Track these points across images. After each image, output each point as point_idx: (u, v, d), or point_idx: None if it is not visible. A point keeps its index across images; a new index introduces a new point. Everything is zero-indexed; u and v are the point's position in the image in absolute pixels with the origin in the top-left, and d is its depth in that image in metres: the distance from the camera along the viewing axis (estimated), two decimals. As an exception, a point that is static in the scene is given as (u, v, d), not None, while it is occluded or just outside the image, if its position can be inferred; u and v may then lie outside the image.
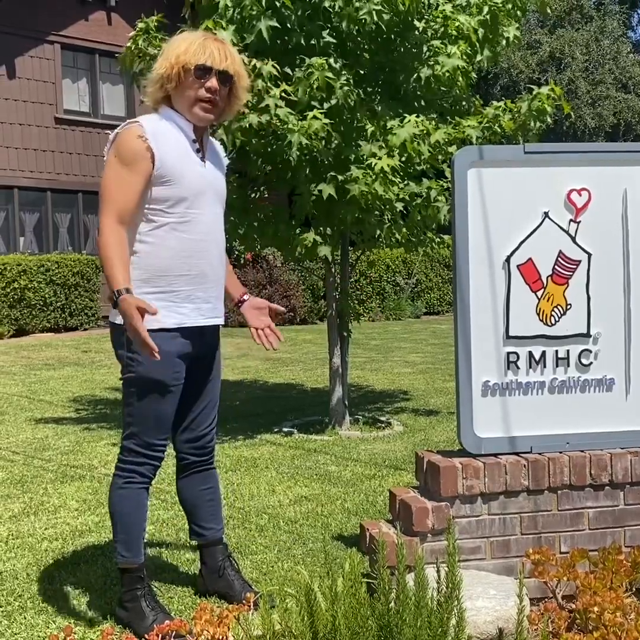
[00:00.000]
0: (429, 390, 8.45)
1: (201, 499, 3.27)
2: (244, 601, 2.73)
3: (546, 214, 3.25)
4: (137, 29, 5.86)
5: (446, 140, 5.82)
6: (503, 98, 6.30)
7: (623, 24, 28.15)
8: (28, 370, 10.33)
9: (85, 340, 13.67)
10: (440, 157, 5.96)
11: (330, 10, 5.67)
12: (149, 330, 2.86)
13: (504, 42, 6.27)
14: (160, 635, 2.55)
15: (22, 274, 14.42)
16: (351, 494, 4.71)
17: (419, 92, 6.20)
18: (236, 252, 15.17)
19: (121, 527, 3.04)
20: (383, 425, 6.70)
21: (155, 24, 5.80)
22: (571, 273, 3.27)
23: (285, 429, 6.54)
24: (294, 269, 16.24)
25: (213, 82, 2.94)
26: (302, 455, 5.69)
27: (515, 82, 25.01)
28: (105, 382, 9.31)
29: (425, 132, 5.75)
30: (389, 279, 17.95)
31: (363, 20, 5.54)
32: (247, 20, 5.54)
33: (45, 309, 14.89)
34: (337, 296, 6.67)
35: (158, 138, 2.92)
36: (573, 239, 3.26)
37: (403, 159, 5.79)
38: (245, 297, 3.29)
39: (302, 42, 5.75)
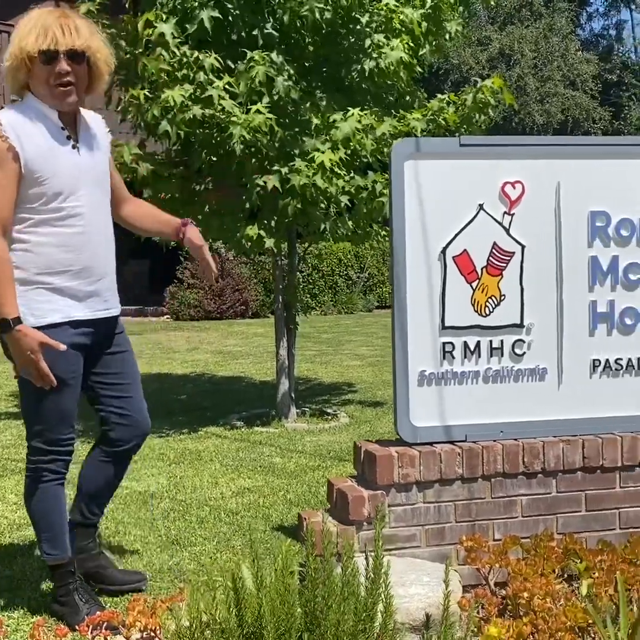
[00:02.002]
0: (377, 382, 8.50)
1: (110, 488, 3.23)
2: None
3: (481, 206, 3.29)
4: (80, 13, 5.77)
5: (391, 133, 5.85)
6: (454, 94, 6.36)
7: (571, 21, 28.54)
8: (-28, 365, 10.16)
9: (32, 334, 13.46)
10: (385, 149, 5.99)
11: (273, 2, 5.66)
12: (36, 327, 2.81)
13: (447, 35, 6.32)
14: (90, 626, 2.55)
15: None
16: (294, 485, 4.73)
17: (363, 85, 6.21)
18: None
19: (43, 526, 2.99)
20: (329, 417, 6.72)
21: (97, 6, 5.72)
22: (505, 264, 3.31)
23: (231, 422, 6.53)
24: (245, 262, 16.19)
25: (62, 65, 2.77)
26: (246, 448, 5.69)
27: (466, 78, 25.19)
28: (51, 376, 9.20)
29: (369, 126, 5.77)
30: (341, 273, 17.99)
31: (306, 17, 5.54)
32: (188, 11, 5.50)
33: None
34: (284, 288, 6.67)
35: (21, 133, 2.76)
36: (507, 231, 3.31)
37: (348, 152, 5.81)
38: (187, 225, 3.20)
39: (244, 34, 5.73)
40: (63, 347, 2.81)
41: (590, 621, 2.63)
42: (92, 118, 3.05)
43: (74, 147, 2.90)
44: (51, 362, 2.81)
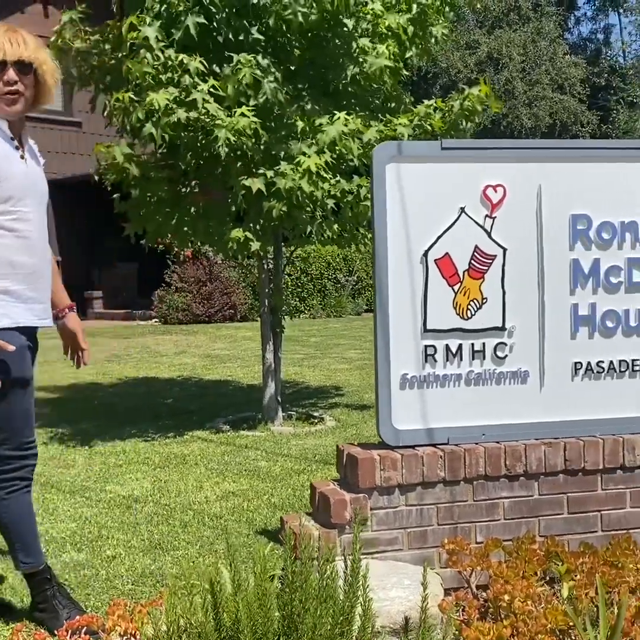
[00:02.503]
0: (364, 386, 8.49)
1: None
2: None
3: (462, 210, 3.30)
4: (63, 21, 5.78)
5: (378, 138, 5.85)
6: (443, 97, 6.37)
7: (559, 25, 28.66)
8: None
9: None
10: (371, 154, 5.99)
11: (258, 5, 5.66)
12: None
13: (433, 39, 6.33)
14: (69, 631, 2.53)
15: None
16: (279, 488, 4.72)
17: (349, 89, 6.22)
18: (175, 249, 15.04)
19: (16, 536, 2.95)
20: (316, 420, 6.71)
21: (80, 15, 5.71)
22: (487, 267, 3.32)
23: (217, 426, 6.52)
24: (234, 266, 16.17)
25: (10, 74, 2.85)
26: (232, 451, 5.68)
27: (454, 82, 25.28)
28: (37, 381, 9.14)
29: (356, 130, 5.78)
30: (330, 276, 18.00)
31: (291, 19, 5.55)
32: (174, 16, 5.50)
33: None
34: (270, 292, 6.66)
35: None
36: (488, 234, 3.31)
37: (334, 156, 5.81)
38: (72, 311, 3.19)
39: (231, 37, 5.73)
40: (11, 348, 2.79)
41: (570, 624, 2.63)
42: (31, 141, 3.10)
43: (21, 157, 2.95)
44: (15, 363, 2.83)
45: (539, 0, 27.93)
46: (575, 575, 2.98)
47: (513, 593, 2.78)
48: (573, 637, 2.67)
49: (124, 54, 5.65)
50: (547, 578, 3.12)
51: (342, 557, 2.95)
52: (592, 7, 33.98)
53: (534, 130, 25.95)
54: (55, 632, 2.57)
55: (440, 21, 6.29)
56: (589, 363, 3.40)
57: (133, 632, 2.62)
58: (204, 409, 7.30)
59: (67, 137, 17.84)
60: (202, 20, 5.55)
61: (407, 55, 6.29)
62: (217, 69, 5.72)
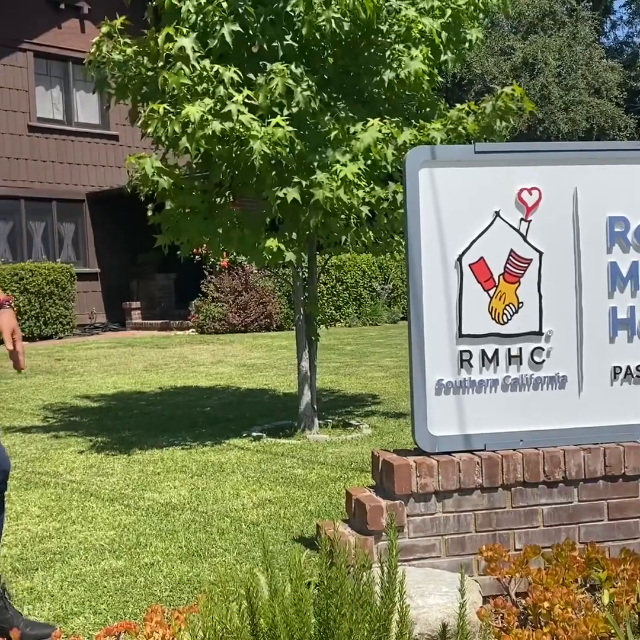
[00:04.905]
0: (401, 393, 8.46)
1: None
2: None
3: (497, 213, 3.28)
4: (101, 33, 5.85)
5: (412, 142, 5.84)
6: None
7: (595, 30, 28.42)
8: (-1, 379, 10.26)
9: (59, 348, 13.59)
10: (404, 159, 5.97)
11: (292, 14, 5.69)
12: None
13: (467, 44, 6.31)
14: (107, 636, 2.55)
15: (-5, 282, 14.36)
16: (315, 496, 4.71)
17: (383, 96, 6.22)
18: (211, 260, 15.13)
19: None
20: (352, 428, 6.70)
21: (120, 27, 5.78)
22: (523, 271, 3.29)
23: (254, 434, 6.53)
24: (269, 275, 16.23)
25: None
26: (269, 459, 5.68)
27: (489, 88, 25.16)
28: (77, 390, 9.27)
29: (389, 135, 5.77)
30: (365, 285, 17.97)
31: (323, 27, 5.57)
32: (209, 26, 5.54)
33: (20, 318, 14.82)
34: (305, 300, 6.67)
35: None
36: (524, 238, 3.28)
37: (368, 162, 5.81)
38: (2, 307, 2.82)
39: (265, 46, 5.76)
40: None
41: (611, 631, 2.59)
42: None
43: None
44: None
45: (574, 5, 27.75)
46: (616, 582, 2.94)
47: (553, 600, 2.75)
48: (614, 645, 2.62)
49: (161, 64, 5.70)
50: (588, 585, 3.08)
51: (379, 564, 2.94)
52: (628, 10, 33.65)
53: (570, 135, 25.73)
54: (95, 637, 2.58)
55: (475, 26, 6.26)
56: (628, 367, 3.36)
57: (171, 638, 2.63)
58: (240, 418, 7.32)
59: (104, 150, 18.06)
60: (237, 28, 5.58)
61: (442, 59, 6.26)
62: (253, 77, 5.74)
